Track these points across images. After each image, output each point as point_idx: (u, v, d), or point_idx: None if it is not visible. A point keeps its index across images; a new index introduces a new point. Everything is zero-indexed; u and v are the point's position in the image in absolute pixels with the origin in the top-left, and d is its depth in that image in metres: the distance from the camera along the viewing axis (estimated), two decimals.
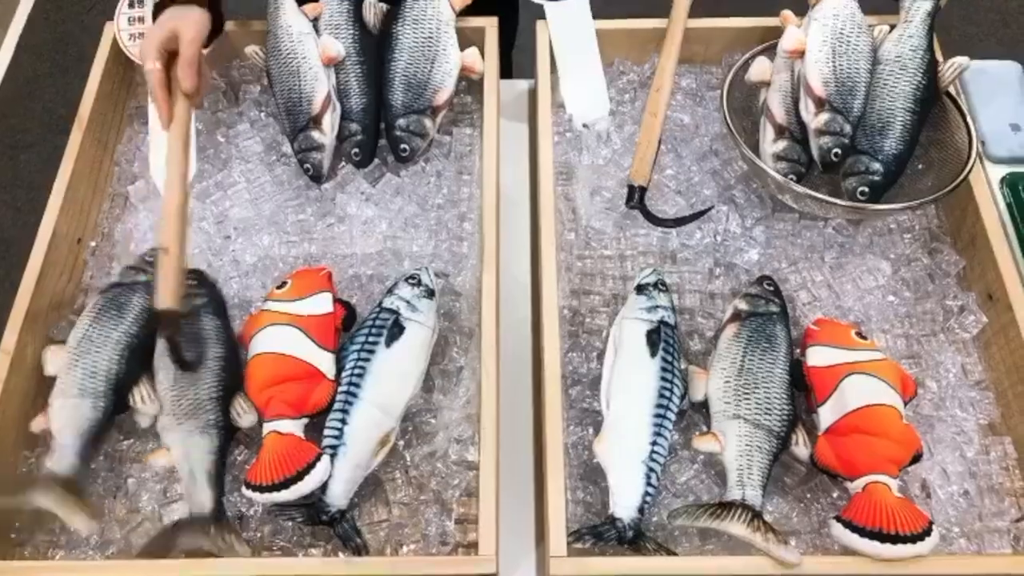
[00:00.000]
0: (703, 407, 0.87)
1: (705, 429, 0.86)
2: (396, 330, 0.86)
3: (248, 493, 0.78)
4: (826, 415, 0.83)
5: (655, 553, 0.78)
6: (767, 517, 0.81)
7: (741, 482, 0.80)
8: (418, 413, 0.89)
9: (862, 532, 0.75)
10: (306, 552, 0.82)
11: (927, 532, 0.75)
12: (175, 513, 0.82)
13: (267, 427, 0.82)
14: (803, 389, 0.87)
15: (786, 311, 0.91)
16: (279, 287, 0.90)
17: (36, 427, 0.85)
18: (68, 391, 0.85)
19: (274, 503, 0.79)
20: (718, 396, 0.85)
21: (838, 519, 0.78)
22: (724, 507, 0.78)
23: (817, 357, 0.86)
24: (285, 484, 0.77)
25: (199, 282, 0.92)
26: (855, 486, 0.80)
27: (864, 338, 0.87)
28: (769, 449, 0.82)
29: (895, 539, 0.74)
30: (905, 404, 0.84)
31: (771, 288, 0.92)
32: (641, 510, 0.79)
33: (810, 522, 0.83)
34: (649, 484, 0.80)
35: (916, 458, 0.82)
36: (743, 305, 0.90)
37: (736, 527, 0.77)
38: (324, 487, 0.80)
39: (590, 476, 0.85)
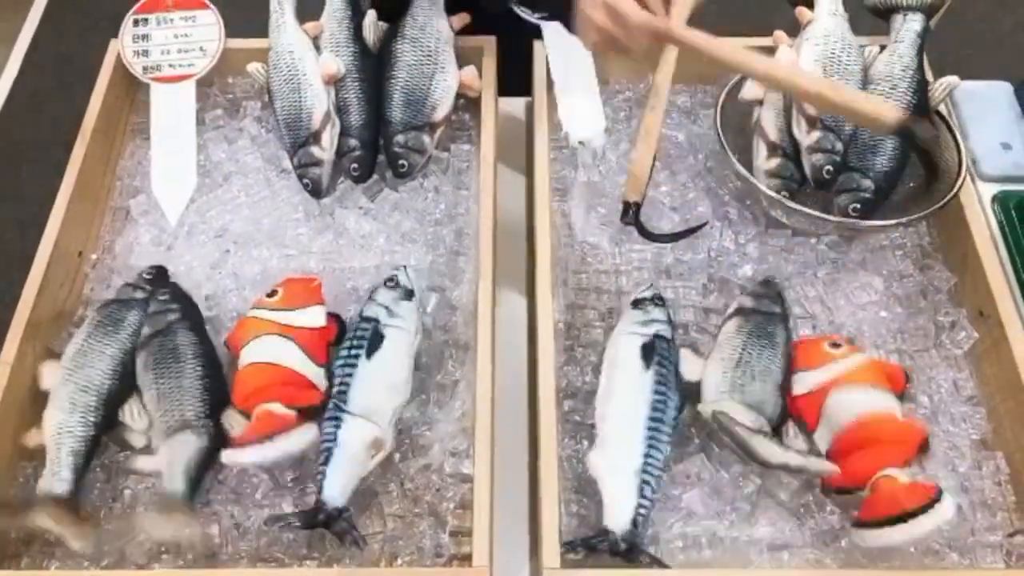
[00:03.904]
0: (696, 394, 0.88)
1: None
2: (376, 340, 0.87)
3: (231, 457, 0.80)
4: (821, 441, 0.84)
5: (649, 566, 0.78)
6: (760, 532, 0.82)
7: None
8: (414, 426, 0.89)
9: (879, 524, 0.76)
10: (302, 563, 0.82)
11: (938, 499, 0.76)
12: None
13: (258, 408, 0.83)
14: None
15: (787, 314, 0.92)
16: (269, 295, 0.91)
17: (31, 442, 0.86)
18: (59, 405, 0.86)
19: (259, 463, 0.81)
20: (713, 385, 0.86)
21: (856, 524, 0.78)
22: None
23: (798, 386, 0.87)
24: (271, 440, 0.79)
25: (172, 296, 0.92)
26: (866, 491, 0.80)
27: (838, 346, 0.88)
28: None
29: (909, 516, 0.75)
30: (900, 395, 0.85)
31: (774, 289, 0.93)
32: (635, 523, 0.79)
33: (803, 537, 0.83)
34: (643, 496, 0.80)
35: (924, 446, 0.82)
36: (747, 302, 0.91)
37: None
38: (320, 488, 0.80)
39: (584, 489, 0.86)
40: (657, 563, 0.79)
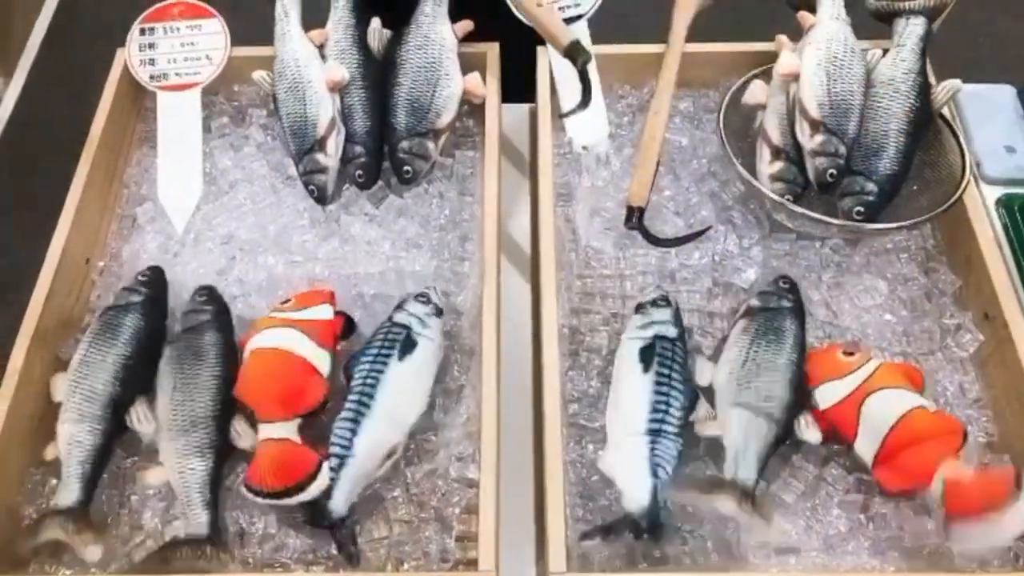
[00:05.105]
0: (709, 395, 0.88)
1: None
2: (409, 344, 0.88)
3: (249, 496, 0.80)
4: (866, 449, 0.83)
5: (679, 536, 0.79)
6: (767, 535, 0.81)
7: (736, 462, 0.81)
8: (420, 431, 0.89)
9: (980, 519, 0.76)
10: (307, 569, 0.83)
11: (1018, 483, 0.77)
12: (176, 530, 0.83)
13: (262, 432, 0.83)
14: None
15: (801, 307, 0.92)
16: (283, 303, 0.92)
17: (49, 456, 0.87)
18: (68, 417, 0.86)
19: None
20: (723, 383, 0.87)
21: (951, 521, 0.78)
22: (714, 483, 0.80)
23: (825, 398, 0.86)
24: (285, 493, 0.79)
25: (208, 298, 0.94)
26: (934, 488, 0.79)
27: (851, 353, 0.88)
28: (768, 436, 0.83)
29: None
30: (921, 392, 0.85)
31: (786, 286, 0.93)
32: (654, 500, 0.79)
33: (810, 541, 0.83)
34: (656, 477, 0.80)
35: (964, 436, 0.82)
36: (756, 302, 0.91)
37: (724, 504, 0.78)
38: (328, 493, 0.81)
39: (589, 493, 0.86)
40: (682, 537, 0.79)
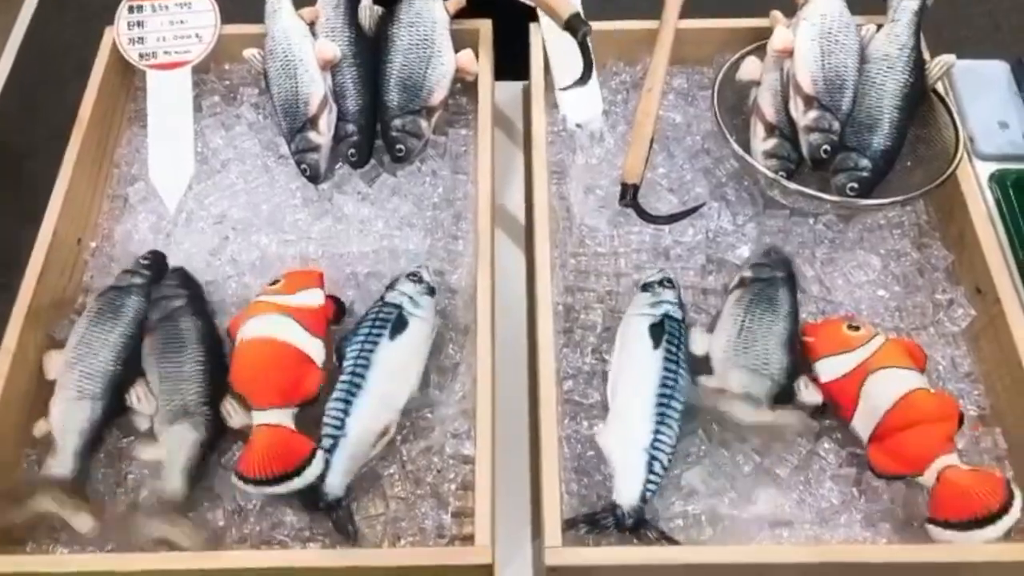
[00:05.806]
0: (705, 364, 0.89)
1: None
2: (400, 323, 0.88)
3: (239, 484, 0.79)
4: (862, 426, 0.83)
5: (657, 541, 0.79)
6: (760, 509, 0.83)
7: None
8: (415, 409, 0.90)
9: (963, 526, 0.76)
10: (305, 546, 0.83)
11: (1010, 495, 0.76)
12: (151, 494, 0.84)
13: (257, 418, 0.83)
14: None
15: (792, 276, 0.93)
16: (272, 284, 0.92)
17: (38, 432, 0.87)
18: (66, 394, 0.86)
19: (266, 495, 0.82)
20: (720, 351, 0.87)
21: (933, 522, 0.78)
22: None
23: (826, 372, 0.86)
24: (279, 480, 0.79)
25: (180, 282, 0.93)
26: (927, 479, 0.80)
27: (856, 328, 0.88)
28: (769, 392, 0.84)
29: (993, 519, 0.76)
30: (923, 371, 0.85)
31: (777, 257, 0.94)
32: (643, 498, 0.80)
33: (802, 514, 0.84)
34: (651, 472, 0.81)
35: (961, 420, 0.82)
36: (749, 273, 0.92)
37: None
38: (322, 476, 0.81)
39: (584, 469, 0.86)
40: (665, 539, 0.79)
